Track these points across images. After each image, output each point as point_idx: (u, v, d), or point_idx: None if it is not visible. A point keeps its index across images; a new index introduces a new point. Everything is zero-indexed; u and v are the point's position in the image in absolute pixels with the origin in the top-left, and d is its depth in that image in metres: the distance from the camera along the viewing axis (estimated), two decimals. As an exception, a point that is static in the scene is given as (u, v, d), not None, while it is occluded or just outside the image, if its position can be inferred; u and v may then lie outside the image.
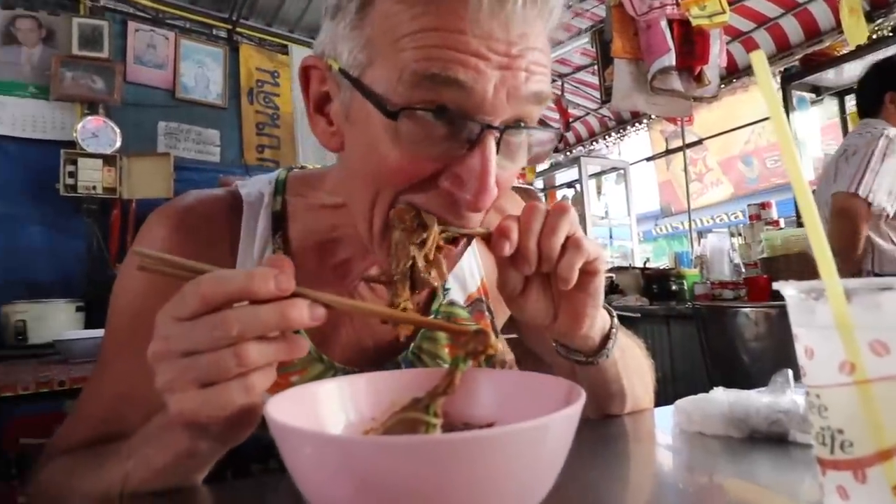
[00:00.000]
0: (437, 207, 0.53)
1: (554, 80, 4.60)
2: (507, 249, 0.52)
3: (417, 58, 0.48)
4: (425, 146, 0.51)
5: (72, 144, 3.79)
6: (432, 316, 0.75)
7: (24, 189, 3.74)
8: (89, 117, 3.88)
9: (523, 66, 0.50)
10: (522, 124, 0.54)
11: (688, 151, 5.45)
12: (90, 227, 3.91)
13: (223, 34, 4.80)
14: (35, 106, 3.82)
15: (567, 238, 0.54)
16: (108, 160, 3.82)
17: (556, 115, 4.94)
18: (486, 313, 0.81)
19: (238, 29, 4.81)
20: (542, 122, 0.57)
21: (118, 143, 3.89)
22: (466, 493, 0.32)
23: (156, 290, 0.58)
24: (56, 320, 3.35)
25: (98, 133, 3.85)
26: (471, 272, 0.81)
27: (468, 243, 0.60)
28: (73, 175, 3.72)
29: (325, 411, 0.46)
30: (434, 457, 0.31)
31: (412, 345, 0.73)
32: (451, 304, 0.78)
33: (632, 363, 0.72)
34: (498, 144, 0.51)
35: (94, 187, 3.77)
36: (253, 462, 0.66)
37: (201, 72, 4.60)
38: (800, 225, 3.43)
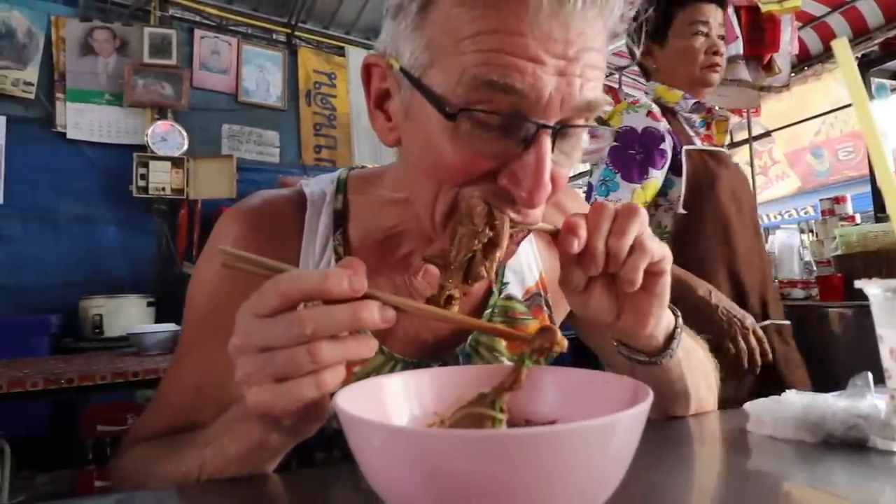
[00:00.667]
0: (495, 201, 0.54)
1: (611, 74, 4.48)
2: (576, 247, 0.52)
3: (477, 62, 0.49)
4: (481, 145, 0.52)
5: (143, 148, 4.00)
6: (489, 310, 0.76)
7: (100, 191, 3.99)
8: (159, 122, 4.09)
9: (578, 71, 0.50)
10: (578, 122, 0.54)
11: (753, 144, 5.20)
12: (159, 227, 4.12)
13: (282, 38, 4.95)
14: (110, 112, 4.07)
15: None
16: (176, 162, 4.01)
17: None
18: (545, 308, 0.80)
19: (297, 33, 4.95)
20: (599, 119, 0.56)
21: (185, 146, 4.08)
22: (532, 488, 0.32)
23: (232, 287, 0.61)
24: (129, 314, 3.53)
25: (167, 137, 4.06)
26: (529, 266, 0.81)
27: (525, 236, 0.60)
28: (144, 177, 3.94)
29: (390, 405, 0.47)
30: (502, 451, 0.31)
31: (469, 338, 0.73)
32: (509, 298, 0.78)
33: (695, 363, 0.70)
34: (553, 143, 0.52)
35: (164, 188, 3.97)
36: (317, 451, 0.68)
37: (262, 75, 4.76)
38: (878, 220, 3.21)
